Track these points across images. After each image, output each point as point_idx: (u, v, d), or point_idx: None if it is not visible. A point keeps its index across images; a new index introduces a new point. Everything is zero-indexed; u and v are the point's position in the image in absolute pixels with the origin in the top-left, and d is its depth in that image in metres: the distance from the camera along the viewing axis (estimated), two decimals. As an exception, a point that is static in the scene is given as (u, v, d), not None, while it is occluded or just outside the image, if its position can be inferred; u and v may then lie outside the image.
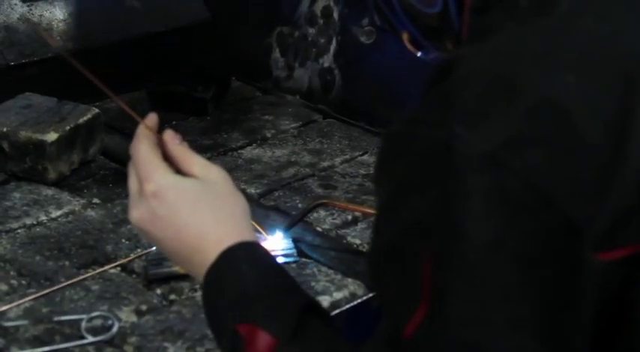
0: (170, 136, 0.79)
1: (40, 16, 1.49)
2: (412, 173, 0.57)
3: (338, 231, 1.16)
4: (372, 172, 1.33)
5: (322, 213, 1.19)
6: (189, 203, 0.77)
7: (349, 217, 1.19)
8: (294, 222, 1.13)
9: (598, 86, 0.55)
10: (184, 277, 1.04)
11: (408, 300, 0.57)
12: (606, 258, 0.54)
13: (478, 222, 0.53)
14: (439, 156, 0.55)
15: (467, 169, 0.54)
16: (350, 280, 1.04)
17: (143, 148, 0.78)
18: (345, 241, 1.14)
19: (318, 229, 1.16)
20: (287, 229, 1.12)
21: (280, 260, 1.09)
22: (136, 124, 1.65)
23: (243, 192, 1.27)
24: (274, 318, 0.71)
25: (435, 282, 0.55)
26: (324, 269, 1.07)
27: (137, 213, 0.78)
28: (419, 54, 0.78)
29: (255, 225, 1.04)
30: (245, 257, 0.76)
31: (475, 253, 0.54)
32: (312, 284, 1.03)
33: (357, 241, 1.14)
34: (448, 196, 0.55)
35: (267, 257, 0.78)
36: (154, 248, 1.10)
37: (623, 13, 0.60)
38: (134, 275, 1.05)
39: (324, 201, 1.19)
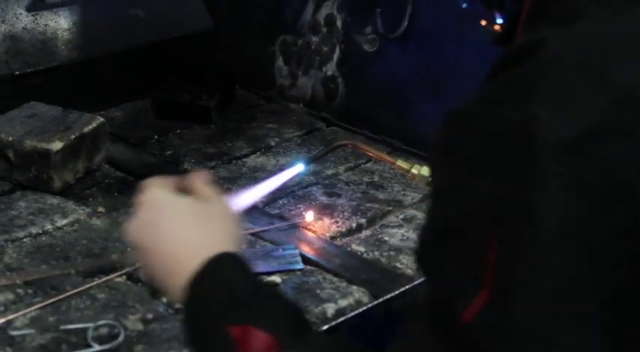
0: (196, 175, 0.82)
1: (46, 25, 1.49)
2: (483, 153, 0.56)
3: (342, 239, 1.16)
4: (375, 180, 1.33)
5: (327, 220, 1.19)
6: (178, 214, 0.78)
7: (354, 225, 1.19)
8: (317, 157, 1.24)
9: None
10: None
11: (467, 284, 0.55)
12: None
13: (553, 210, 0.52)
14: (516, 139, 0.54)
15: (546, 155, 0.53)
16: (355, 287, 1.04)
17: (154, 182, 0.81)
18: (349, 249, 1.14)
19: (323, 237, 1.16)
20: (309, 163, 1.21)
21: (286, 267, 1.09)
22: (139, 133, 1.63)
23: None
24: (270, 318, 0.69)
25: (500, 268, 0.53)
26: (328, 276, 1.07)
27: (129, 225, 0.80)
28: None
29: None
30: (232, 263, 0.75)
31: (547, 242, 0.52)
32: (317, 291, 1.04)
33: (362, 249, 1.14)
34: (524, 181, 0.53)
35: (252, 267, 0.77)
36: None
37: None
38: (140, 284, 1.05)
39: (347, 142, 1.25)
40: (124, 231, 0.81)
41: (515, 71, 0.57)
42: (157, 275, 0.81)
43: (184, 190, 0.82)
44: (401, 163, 1.09)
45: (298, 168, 1.19)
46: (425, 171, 1.08)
